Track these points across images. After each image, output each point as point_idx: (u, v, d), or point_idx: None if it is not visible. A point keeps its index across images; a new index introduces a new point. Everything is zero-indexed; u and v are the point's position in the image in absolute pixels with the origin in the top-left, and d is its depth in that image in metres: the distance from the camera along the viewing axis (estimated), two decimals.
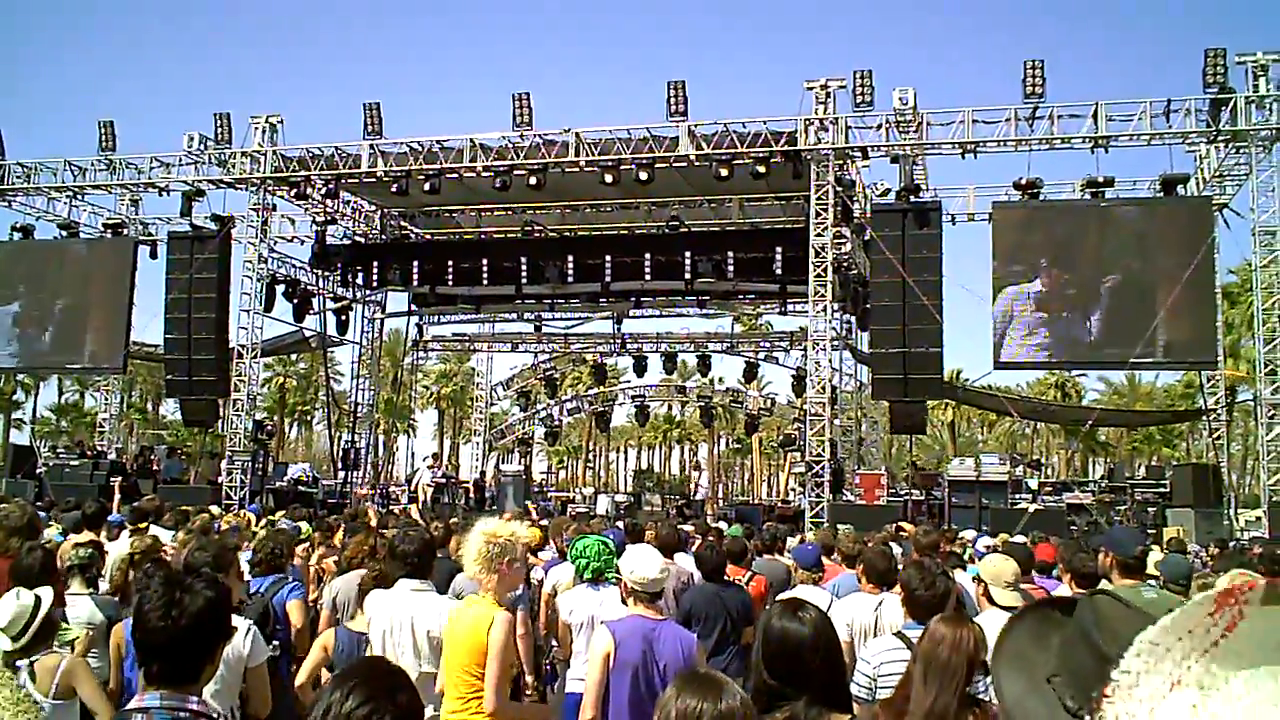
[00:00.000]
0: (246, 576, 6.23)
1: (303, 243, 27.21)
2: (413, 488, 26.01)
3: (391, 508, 24.33)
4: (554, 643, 7.42)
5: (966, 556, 9.82)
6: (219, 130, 23.66)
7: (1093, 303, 19.34)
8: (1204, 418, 24.65)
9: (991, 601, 5.18)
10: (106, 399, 30.31)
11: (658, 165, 21.45)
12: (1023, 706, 1.20)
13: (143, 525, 9.33)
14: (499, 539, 4.48)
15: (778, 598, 4.75)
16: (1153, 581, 6.34)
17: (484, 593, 4.48)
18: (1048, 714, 1.15)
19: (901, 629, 4.75)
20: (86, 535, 8.03)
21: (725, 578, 7.30)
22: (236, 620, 4.74)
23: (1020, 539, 10.91)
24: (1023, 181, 20.32)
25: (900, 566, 5.87)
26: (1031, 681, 1.21)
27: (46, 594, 4.34)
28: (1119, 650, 0.89)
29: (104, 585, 6.48)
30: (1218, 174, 20.83)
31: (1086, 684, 1.08)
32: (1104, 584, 6.52)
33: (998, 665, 1.29)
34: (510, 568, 4.48)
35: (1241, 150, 19.61)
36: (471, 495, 28.37)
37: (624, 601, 5.01)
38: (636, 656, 4.51)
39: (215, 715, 2.89)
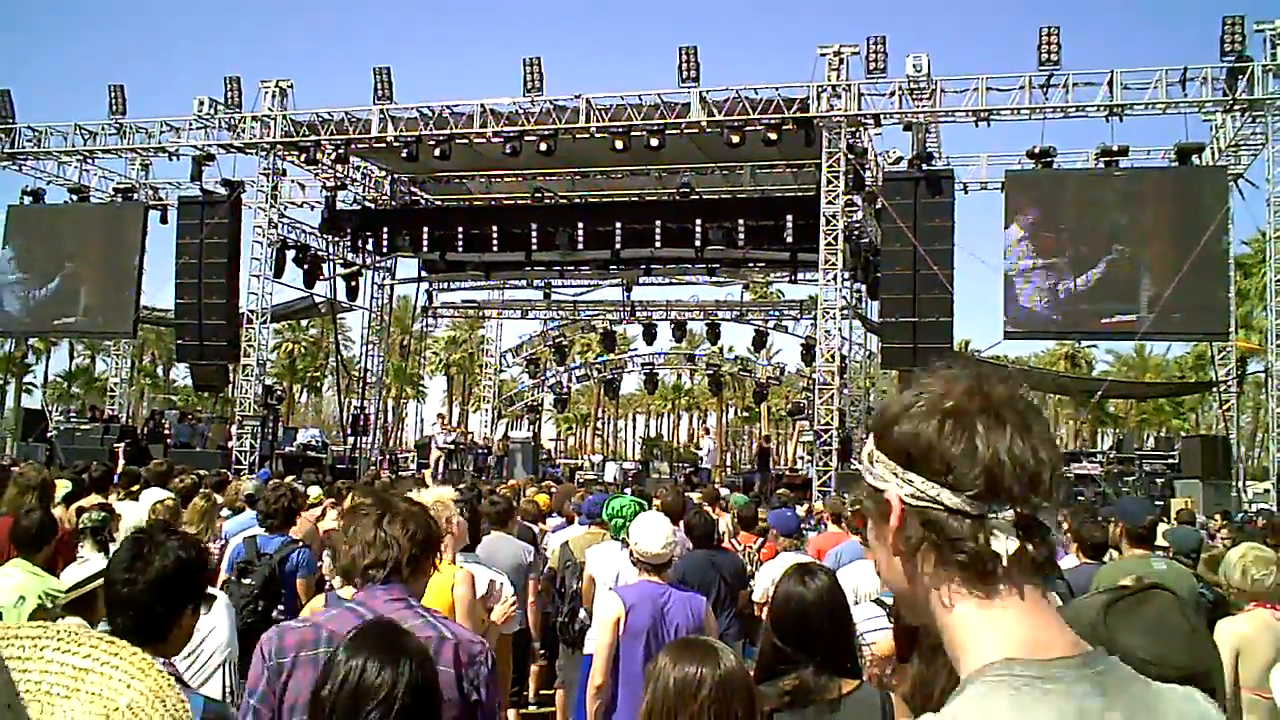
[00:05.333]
0: (258, 532, 6.33)
1: (313, 208, 27.05)
2: (430, 456, 26.14)
3: (400, 473, 24.49)
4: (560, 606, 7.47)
5: None
6: (229, 95, 23.56)
7: (1104, 272, 19.21)
8: (1214, 389, 24.53)
9: None
10: (117, 363, 30.40)
11: (669, 132, 21.26)
12: None
13: (134, 488, 9.30)
14: (441, 503, 4.59)
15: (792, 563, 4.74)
16: (1161, 552, 6.35)
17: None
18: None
19: (879, 595, 4.76)
20: (94, 499, 8.00)
21: (717, 543, 7.32)
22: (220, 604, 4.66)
23: None
24: (1036, 150, 20.14)
25: None
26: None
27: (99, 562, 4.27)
28: None
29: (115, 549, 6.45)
30: (1233, 143, 20.56)
31: None
32: (1113, 554, 6.54)
33: None
34: (454, 526, 4.61)
35: (1258, 119, 19.36)
36: (479, 461, 28.42)
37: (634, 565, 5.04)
38: (647, 622, 4.54)
39: (182, 676, 2.81)
